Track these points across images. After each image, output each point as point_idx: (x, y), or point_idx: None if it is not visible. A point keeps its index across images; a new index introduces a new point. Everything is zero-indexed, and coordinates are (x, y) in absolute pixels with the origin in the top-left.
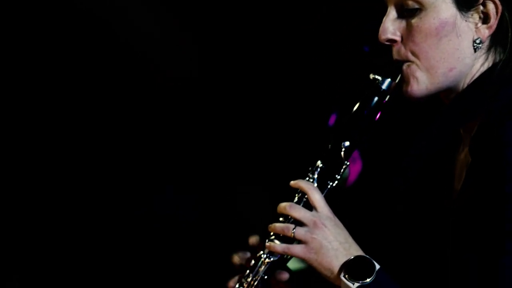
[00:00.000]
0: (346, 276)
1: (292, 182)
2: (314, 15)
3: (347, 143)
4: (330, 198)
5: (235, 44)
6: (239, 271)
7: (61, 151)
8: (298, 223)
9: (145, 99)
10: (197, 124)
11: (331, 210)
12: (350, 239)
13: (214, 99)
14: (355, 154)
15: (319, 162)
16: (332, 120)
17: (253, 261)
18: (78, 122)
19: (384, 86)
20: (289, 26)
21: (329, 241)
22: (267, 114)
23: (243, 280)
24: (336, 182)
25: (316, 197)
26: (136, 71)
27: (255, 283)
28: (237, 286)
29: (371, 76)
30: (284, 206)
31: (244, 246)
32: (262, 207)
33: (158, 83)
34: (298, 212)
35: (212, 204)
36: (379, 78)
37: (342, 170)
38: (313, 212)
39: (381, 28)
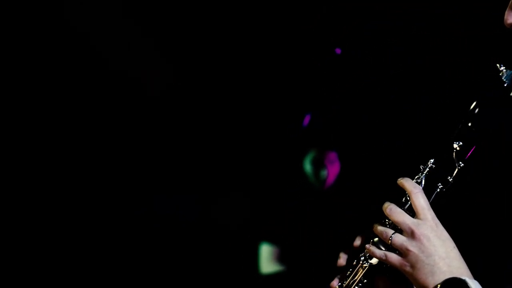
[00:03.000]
0: None
1: (398, 180)
2: (314, 15)
3: (460, 144)
4: (438, 204)
5: (234, 44)
6: (342, 270)
7: (61, 152)
8: (399, 228)
9: (144, 100)
10: (196, 125)
11: (435, 218)
12: (453, 253)
13: (213, 98)
14: (333, 156)
15: (431, 161)
16: (306, 120)
17: (355, 262)
18: (77, 123)
19: (507, 80)
20: (289, 26)
21: (426, 255)
22: (266, 114)
23: (344, 281)
24: (448, 186)
25: (420, 202)
26: (135, 72)
27: (353, 286)
28: (337, 287)
29: (498, 66)
30: (385, 207)
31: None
32: (261, 207)
33: (158, 83)
34: (397, 216)
35: (212, 204)
36: (503, 69)
37: (454, 173)
38: (414, 220)
39: (507, 11)
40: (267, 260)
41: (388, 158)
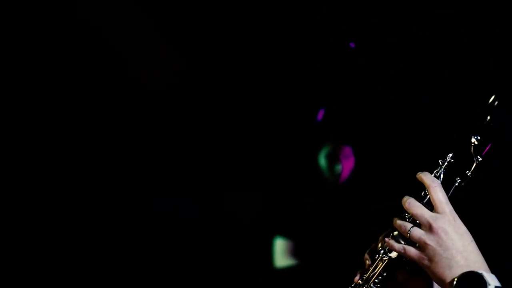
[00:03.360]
0: None
1: (418, 174)
2: (314, 15)
3: (478, 138)
4: (457, 198)
5: (235, 44)
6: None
7: (61, 151)
8: (417, 222)
9: (145, 99)
10: (197, 124)
11: (454, 211)
12: (471, 247)
13: (214, 97)
14: (348, 150)
15: (449, 155)
16: (320, 115)
17: (376, 255)
18: (78, 122)
19: None
20: (289, 26)
21: (444, 248)
22: (266, 114)
23: (365, 274)
24: (466, 180)
25: (438, 196)
26: (135, 71)
27: (373, 279)
28: (360, 281)
29: None
30: (404, 200)
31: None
32: (259, 205)
33: (158, 83)
34: (415, 210)
35: (212, 204)
36: None
37: (472, 167)
38: (432, 213)
39: None
40: (281, 254)
41: (408, 153)
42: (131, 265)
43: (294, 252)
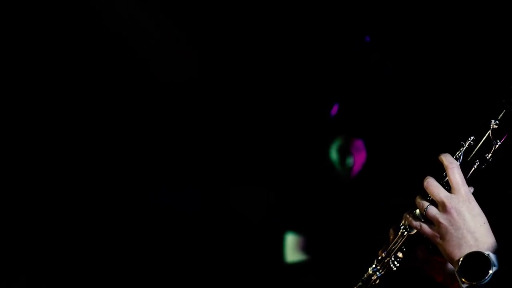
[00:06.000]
0: (458, 271)
1: (439, 155)
2: (314, 15)
3: (497, 122)
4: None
5: (236, 44)
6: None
7: (61, 149)
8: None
9: (147, 97)
10: (198, 122)
11: (469, 193)
12: (483, 228)
13: (215, 96)
14: (360, 144)
15: (471, 138)
16: (334, 110)
17: (400, 231)
18: (79, 121)
19: None
20: (289, 26)
21: (455, 228)
22: (267, 111)
23: (388, 248)
24: (485, 163)
25: (455, 177)
26: (136, 71)
27: (393, 252)
28: (383, 254)
29: None
30: (424, 180)
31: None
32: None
33: (161, 83)
34: (432, 189)
35: (211, 200)
36: None
37: (491, 151)
38: (448, 193)
39: None
40: (292, 249)
41: (430, 139)
42: (132, 262)
43: (305, 247)
